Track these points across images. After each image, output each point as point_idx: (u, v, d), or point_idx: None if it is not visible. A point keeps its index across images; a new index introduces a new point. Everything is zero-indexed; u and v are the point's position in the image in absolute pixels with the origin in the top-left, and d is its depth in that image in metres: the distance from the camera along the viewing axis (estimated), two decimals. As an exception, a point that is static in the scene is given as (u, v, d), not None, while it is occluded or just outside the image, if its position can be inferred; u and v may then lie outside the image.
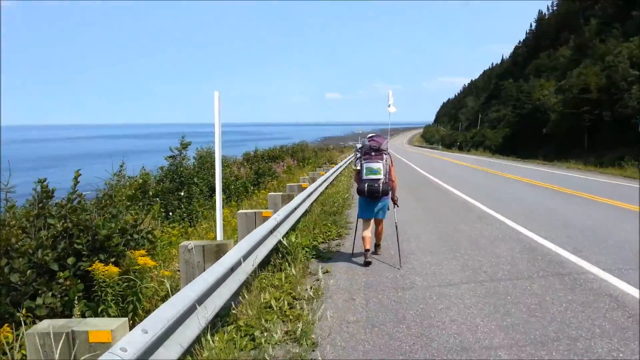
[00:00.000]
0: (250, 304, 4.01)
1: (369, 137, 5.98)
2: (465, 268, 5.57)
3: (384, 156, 5.79)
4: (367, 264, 5.76)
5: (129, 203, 10.41)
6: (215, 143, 4.22)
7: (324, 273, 5.55)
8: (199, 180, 12.85)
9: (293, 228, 7.40)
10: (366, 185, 5.70)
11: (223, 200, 14.07)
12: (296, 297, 4.56)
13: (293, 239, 5.91)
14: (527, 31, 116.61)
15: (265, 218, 5.58)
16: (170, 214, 10.59)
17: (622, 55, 41.59)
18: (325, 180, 12.19)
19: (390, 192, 5.90)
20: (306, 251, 6.41)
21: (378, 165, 5.70)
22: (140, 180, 11.23)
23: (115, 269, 4.57)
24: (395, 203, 6.15)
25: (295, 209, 7.37)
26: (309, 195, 8.99)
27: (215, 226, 5.32)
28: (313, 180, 10.83)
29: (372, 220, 5.99)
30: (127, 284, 4.53)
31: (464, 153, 63.83)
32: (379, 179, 5.68)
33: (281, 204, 7.46)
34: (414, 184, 15.70)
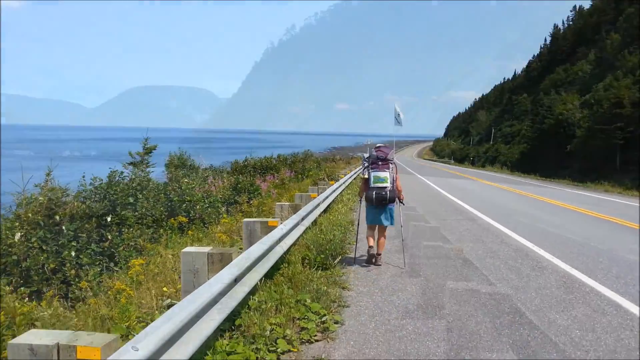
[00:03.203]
0: None
1: (376, 148, 6.24)
2: None
3: (390, 165, 6.09)
4: (370, 261, 6.26)
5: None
6: None
7: None
8: (143, 200, 9.00)
9: (232, 316, 3.73)
10: (374, 192, 5.98)
11: (183, 225, 10.24)
12: None
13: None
14: (542, 45, 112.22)
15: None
16: (74, 253, 7.00)
17: (658, 68, 37.71)
18: (317, 207, 8.47)
19: (396, 199, 6.10)
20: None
21: (385, 174, 6.00)
22: (41, 199, 7.60)
23: None
24: (400, 201, 6.25)
25: (236, 281, 3.69)
26: (278, 241, 5.28)
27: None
28: (295, 209, 7.06)
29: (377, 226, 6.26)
30: None
31: (478, 168, 59.66)
32: (386, 187, 5.97)
33: (208, 272, 3.76)
34: (440, 214, 11.81)
